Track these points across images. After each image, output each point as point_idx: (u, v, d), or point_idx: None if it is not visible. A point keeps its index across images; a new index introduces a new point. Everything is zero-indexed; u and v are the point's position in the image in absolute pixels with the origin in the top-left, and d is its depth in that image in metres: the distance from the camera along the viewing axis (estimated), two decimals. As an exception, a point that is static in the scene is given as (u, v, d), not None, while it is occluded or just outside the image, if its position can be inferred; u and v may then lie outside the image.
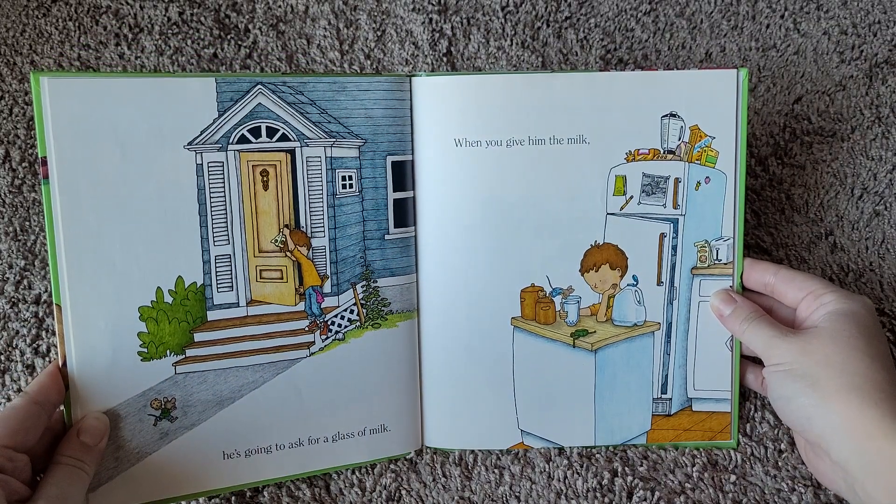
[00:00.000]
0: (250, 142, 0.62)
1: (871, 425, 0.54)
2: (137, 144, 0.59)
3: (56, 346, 0.72)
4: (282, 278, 0.64)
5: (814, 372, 0.58)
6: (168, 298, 0.61)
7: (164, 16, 0.83)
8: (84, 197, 0.58)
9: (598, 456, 0.70)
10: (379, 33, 0.85)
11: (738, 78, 0.66)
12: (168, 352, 0.61)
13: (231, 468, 0.64)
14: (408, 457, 0.70)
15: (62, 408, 0.60)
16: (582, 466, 0.69)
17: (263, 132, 0.63)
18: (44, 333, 0.73)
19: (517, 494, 0.68)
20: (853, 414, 0.55)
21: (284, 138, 0.63)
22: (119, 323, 0.60)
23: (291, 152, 0.64)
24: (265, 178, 0.63)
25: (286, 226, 0.64)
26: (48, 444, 0.58)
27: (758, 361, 0.67)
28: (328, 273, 0.65)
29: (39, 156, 0.57)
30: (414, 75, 0.66)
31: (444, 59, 0.84)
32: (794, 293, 0.65)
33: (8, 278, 0.75)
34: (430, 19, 0.84)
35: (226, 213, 0.62)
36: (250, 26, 0.84)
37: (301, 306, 0.65)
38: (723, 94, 0.66)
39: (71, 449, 0.57)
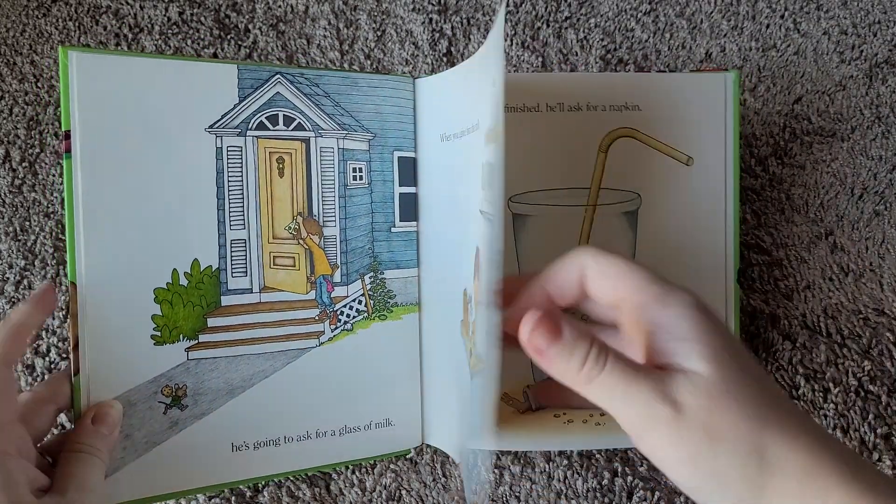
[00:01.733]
0: (268, 129, 0.65)
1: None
2: (160, 124, 0.61)
3: (55, 346, 0.75)
4: (294, 266, 0.67)
5: (693, 451, 0.40)
6: (183, 281, 0.62)
7: (164, 16, 0.86)
8: (105, 173, 0.60)
9: (598, 456, 0.72)
10: (379, 33, 0.87)
11: (727, 81, 0.70)
12: (181, 336, 0.63)
13: (239, 461, 0.65)
14: (408, 456, 0.72)
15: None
16: (582, 466, 0.72)
17: (281, 120, 0.65)
18: (44, 333, 0.75)
19: (517, 494, 0.71)
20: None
21: (300, 127, 0.66)
22: (134, 304, 0.61)
23: (306, 141, 0.66)
24: (281, 166, 0.65)
25: (300, 213, 0.66)
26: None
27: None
28: (338, 263, 0.68)
29: (62, 129, 0.58)
30: (418, 77, 0.70)
31: (444, 59, 0.86)
32: (613, 300, 0.47)
33: (8, 278, 0.77)
34: (430, 19, 0.87)
35: (242, 198, 0.64)
36: (250, 26, 0.87)
37: (312, 295, 0.67)
38: (711, 98, 0.70)
39: (86, 436, 0.57)
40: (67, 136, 0.59)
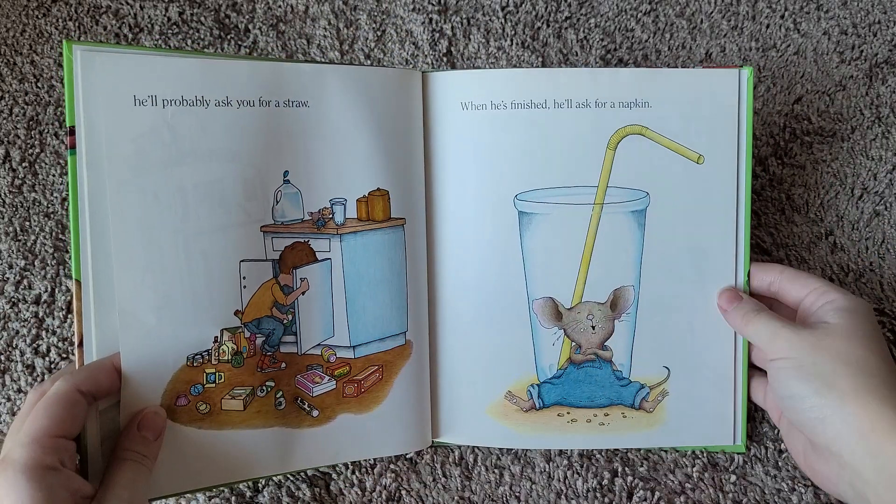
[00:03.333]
0: None
1: (889, 428, 0.54)
2: None
3: (56, 346, 0.76)
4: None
5: (828, 370, 0.58)
6: None
7: (164, 16, 0.87)
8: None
9: (598, 456, 0.73)
10: (379, 33, 0.88)
11: (741, 77, 0.69)
12: None
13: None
14: (408, 456, 0.73)
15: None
16: (582, 466, 0.72)
17: None
18: (44, 333, 0.76)
19: (517, 494, 0.71)
20: (871, 416, 0.55)
21: None
22: None
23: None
24: None
25: None
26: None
27: (764, 373, 0.67)
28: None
29: (67, 125, 0.57)
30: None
31: (444, 59, 0.87)
32: (798, 290, 0.66)
33: (8, 278, 0.78)
34: (430, 19, 0.88)
35: None
36: (250, 26, 0.88)
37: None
38: (724, 94, 0.69)
39: (133, 443, 0.58)
40: (72, 132, 0.58)
